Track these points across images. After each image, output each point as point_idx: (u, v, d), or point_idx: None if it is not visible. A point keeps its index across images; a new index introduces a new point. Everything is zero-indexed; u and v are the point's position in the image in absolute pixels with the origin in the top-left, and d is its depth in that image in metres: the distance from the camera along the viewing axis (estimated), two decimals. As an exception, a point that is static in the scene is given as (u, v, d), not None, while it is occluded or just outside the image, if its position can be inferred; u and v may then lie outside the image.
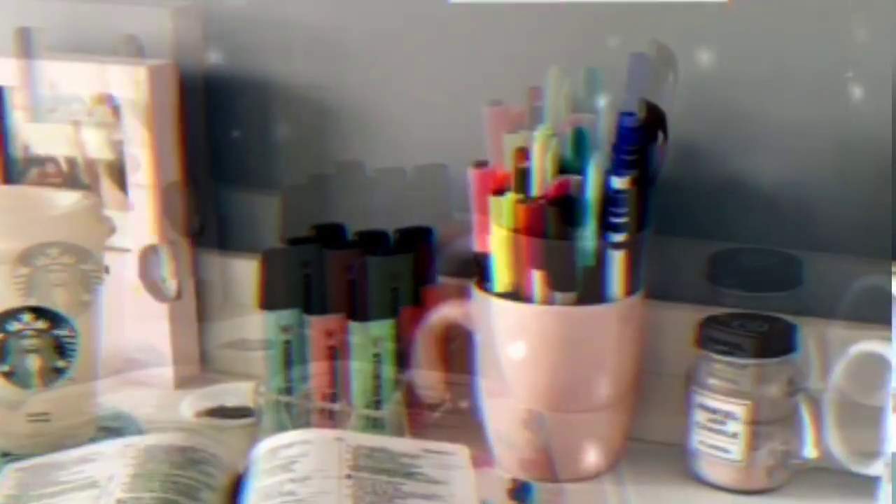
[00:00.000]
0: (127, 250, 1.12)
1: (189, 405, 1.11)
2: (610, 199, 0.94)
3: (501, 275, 0.97)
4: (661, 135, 0.95)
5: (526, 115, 0.98)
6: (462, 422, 1.03)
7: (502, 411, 0.99)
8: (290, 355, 1.04)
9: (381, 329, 1.02)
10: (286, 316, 1.04)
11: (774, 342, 0.96)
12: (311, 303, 1.03)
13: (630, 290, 0.96)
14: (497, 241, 0.97)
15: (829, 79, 0.99)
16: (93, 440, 1.00)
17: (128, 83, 1.09)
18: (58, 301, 0.99)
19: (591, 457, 0.99)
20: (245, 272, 1.15)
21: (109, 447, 0.93)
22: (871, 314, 0.94)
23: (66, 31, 1.14)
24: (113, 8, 1.12)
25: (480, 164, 0.98)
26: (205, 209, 1.16)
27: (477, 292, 0.99)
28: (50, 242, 0.98)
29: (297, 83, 1.15)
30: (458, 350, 1.05)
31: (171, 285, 1.14)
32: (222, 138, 1.17)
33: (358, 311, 1.02)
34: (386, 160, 1.10)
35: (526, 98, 0.98)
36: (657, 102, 0.94)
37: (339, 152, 1.14)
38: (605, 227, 0.95)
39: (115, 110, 1.11)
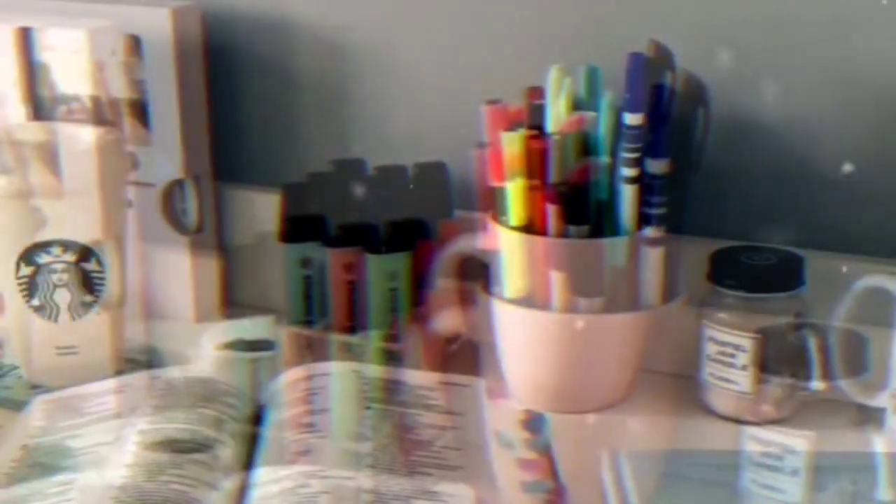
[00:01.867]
0: (151, 185, 1.13)
1: (209, 339, 1.10)
2: (645, 187, 0.88)
3: (513, 278, 0.93)
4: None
5: (524, 113, 0.96)
6: (477, 355, 1.03)
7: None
8: (310, 289, 1.05)
9: (398, 263, 1.02)
10: (307, 249, 1.04)
11: (782, 276, 0.95)
12: (330, 236, 1.04)
13: (667, 294, 0.91)
14: (508, 238, 0.92)
15: (837, 71, 0.98)
16: (120, 372, 1.02)
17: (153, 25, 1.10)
18: (91, 234, 1.00)
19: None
20: (244, 269, 1.18)
21: (136, 379, 0.95)
22: (874, 315, 0.93)
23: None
24: (113, 8, 1.12)
25: (482, 146, 0.96)
26: (204, 206, 1.15)
27: (483, 298, 0.96)
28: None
29: (297, 82, 1.15)
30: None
31: (193, 218, 1.15)
32: (222, 135, 1.17)
33: (375, 244, 1.02)
34: (386, 158, 1.09)
35: (524, 96, 0.98)
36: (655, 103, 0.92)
37: (339, 150, 1.13)
38: (638, 220, 0.89)
39: (137, 51, 1.11)
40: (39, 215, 1.00)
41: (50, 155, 1.00)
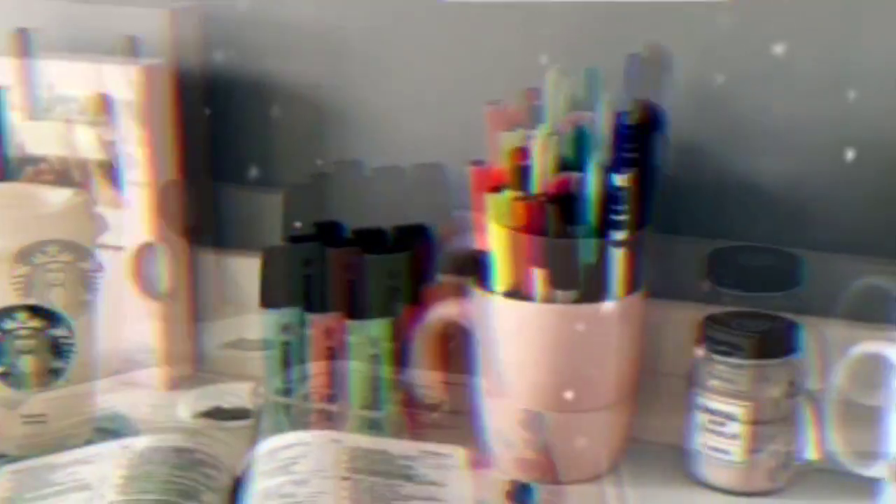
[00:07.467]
0: (120, 248, 1.11)
1: (186, 406, 1.10)
2: (611, 197, 0.94)
3: (501, 273, 0.97)
4: (658, 136, 0.96)
5: (524, 115, 0.98)
6: (460, 423, 1.02)
7: (501, 411, 0.98)
8: (289, 355, 1.04)
9: (379, 329, 1.02)
10: (286, 314, 1.03)
11: (775, 342, 0.95)
12: (311, 301, 1.02)
13: (630, 288, 0.96)
14: (496, 239, 0.96)
15: (829, 76, 0.99)
16: (89, 442, 1.00)
17: (123, 83, 1.09)
18: (56, 301, 0.98)
19: (593, 457, 0.99)
20: (242, 271, 1.15)
21: (106, 449, 0.93)
22: (872, 314, 0.94)
23: (65, 32, 1.14)
24: (111, 9, 1.12)
25: (478, 163, 0.98)
26: (202, 208, 1.15)
27: (476, 291, 0.98)
28: (47, 240, 0.97)
29: (296, 82, 1.15)
30: (456, 349, 1.04)
31: (164, 284, 1.13)
32: (221, 137, 1.17)
33: (356, 309, 1.01)
34: (384, 159, 1.10)
35: (523, 97, 0.99)
36: (655, 103, 0.95)
37: (337, 151, 1.13)
38: (606, 224, 0.94)
39: (109, 109, 1.10)
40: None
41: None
